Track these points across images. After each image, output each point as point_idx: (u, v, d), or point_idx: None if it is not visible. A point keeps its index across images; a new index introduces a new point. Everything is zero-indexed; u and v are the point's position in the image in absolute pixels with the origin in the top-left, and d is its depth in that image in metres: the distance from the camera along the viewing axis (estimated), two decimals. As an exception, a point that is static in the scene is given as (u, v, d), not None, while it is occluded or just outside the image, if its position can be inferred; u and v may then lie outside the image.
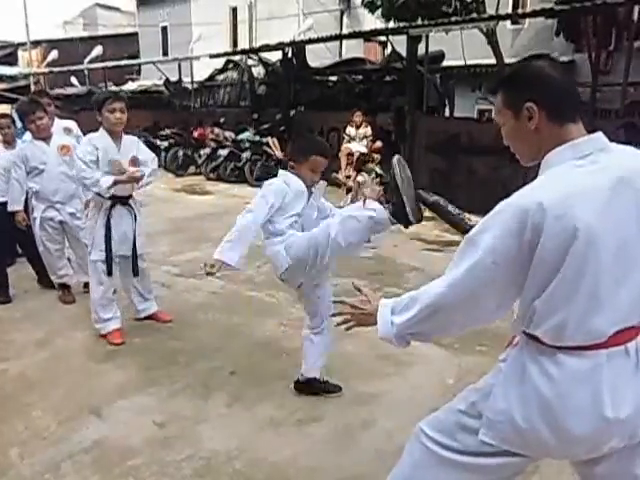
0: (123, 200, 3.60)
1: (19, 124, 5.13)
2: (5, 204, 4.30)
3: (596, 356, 1.32)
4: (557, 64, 1.63)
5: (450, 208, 6.88)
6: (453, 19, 8.04)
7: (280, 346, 3.60)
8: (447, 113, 10.64)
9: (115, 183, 3.41)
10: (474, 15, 8.20)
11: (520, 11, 12.07)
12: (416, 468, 1.57)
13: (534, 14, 8.45)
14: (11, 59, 25.19)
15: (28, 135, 4.50)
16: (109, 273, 3.59)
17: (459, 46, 9.31)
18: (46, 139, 4.16)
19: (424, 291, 1.45)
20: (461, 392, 1.58)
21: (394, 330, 1.48)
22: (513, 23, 13.70)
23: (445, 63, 11.18)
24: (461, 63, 10.45)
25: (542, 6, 8.21)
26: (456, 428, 1.50)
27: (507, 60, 10.04)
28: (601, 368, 1.32)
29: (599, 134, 1.36)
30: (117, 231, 3.58)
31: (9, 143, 4.82)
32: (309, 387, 3.00)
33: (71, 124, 4.82)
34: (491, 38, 8.57)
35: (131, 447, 2.54)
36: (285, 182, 2.66)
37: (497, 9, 8.51)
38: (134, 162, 3.55)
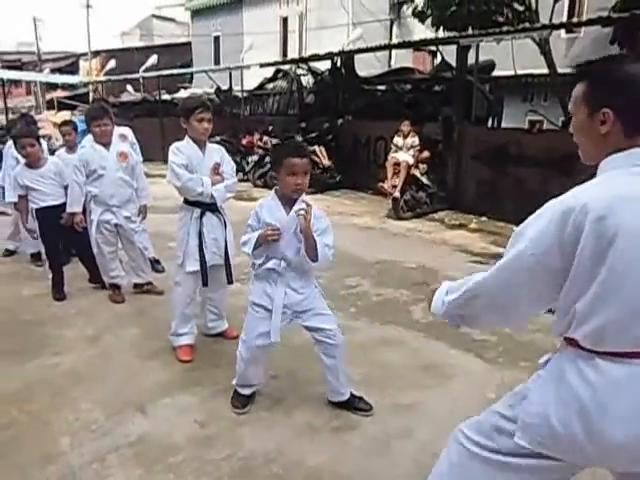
0: (213, 207, 3.49)
1: (79, 128, 5.41)
2: (58, 207, 4.52)
3: (634, 364, 1.30)
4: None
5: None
6: (505, 28, 7.92)
7: (320, 352, 3.62)
8: (495, 123, 10.47)
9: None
10: (527, 24, 8.04)
11: (575, 20, 11.78)
12: (453, 467, 1.60)
13: (591, 22, 8.21)
14: (73, 68, 26.44)
15: (85, 141, 4.73)
16: (204, 284, 3.45)
17: (510, 55, 9.16)
18: (106, 145, 4.33)
19: (474, 276, 1.51)
20: None
21: (443, 308, 1.58)
22: (568, 32, 13.37)
23: (495, 73, 11.01)
24: (512, 73, 10.27)
25: (599, 14, 7.98)
26: (493, 430, 1.52)
27: (560, 70, 9.80)
28: (638, 377, 1.30)
29: None
30: (209, 239, 3.45)
31: (71, 148, 5.10)
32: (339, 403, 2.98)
33: (126, 131, 5.02)
34: (544, 47, 8.38)
35: (173, 444, 2.62)
36: (260, 204, 2.78)
37: (551, 18, 8.32)
38: (216, 169, 3.49)
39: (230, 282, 3.59)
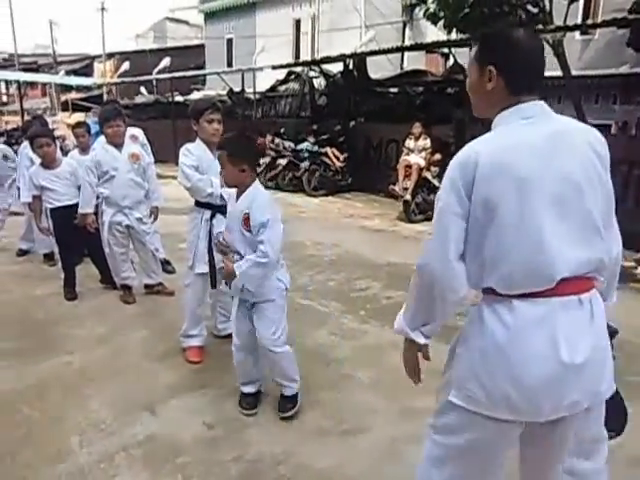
0: (223, 209, 3.39)
1: (92, 130, 5.46)
2: (72, 207, 4.55)
3: (549, 303, 1.37)
4: (536, 35, 1.61)
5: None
6: (518, 30, 7.85)
7: (330, 355, 3.61)
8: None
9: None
10: (540, 26, 7.96)
11: (590, 21, 11.66)
12: (426, 459, 1.68)
13: (606, 24, 8.13)
14: (88, 70, 26.71)
15: (97, 143, 4.77)
16: (213, 286, 3.44)
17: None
18: (118, 146, 4.33)
19: None
20: None
21: (402, 319, 1.64)
22: (582, 34, 13.24)
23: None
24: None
25: (614, 16, 7.89)
26: (440, 407, 1.60)
27: (575, 72, 9.70)
28: (554, 314, 1.37)
29: (542, 102, 1.48)
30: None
31: (84, 150, 5.14)
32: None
33: (137, 131, 5.05)
34: (557, 49, 8.30)
35: (180, 445, 2.62)
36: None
37: (565, 19, 8.23)
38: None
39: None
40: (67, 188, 4.63)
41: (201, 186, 3.34)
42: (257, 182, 2.77)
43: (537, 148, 1.38)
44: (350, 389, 3.18)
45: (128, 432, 2.73)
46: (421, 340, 1.62)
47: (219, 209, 3.42)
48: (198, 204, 3.45)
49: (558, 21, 8.30)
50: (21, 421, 2.82)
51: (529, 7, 8.64)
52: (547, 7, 8.37)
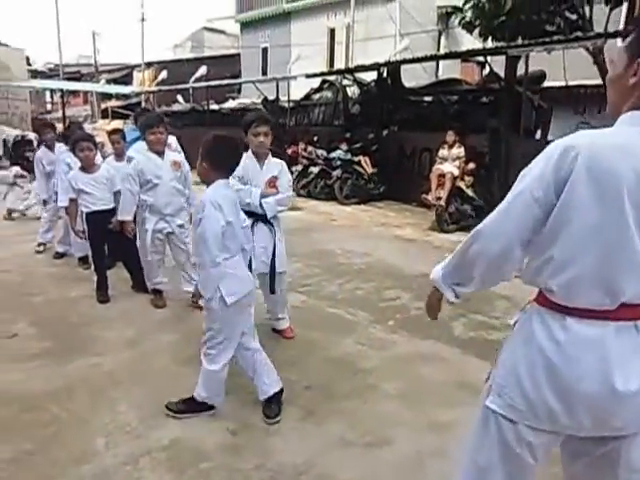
0: (264, 218, 3.62)
1: (128, 137, 5.59)
2: (108, 212, 4.65)
3: (604, 326, 1.30)
4: None
5: None
6: (556, 38, 7.70)
7: (356, 365, 3.57)
8: (543, 135, 10.16)
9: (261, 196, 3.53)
10: (579, 33, 7.78)
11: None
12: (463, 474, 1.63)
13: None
14: (127, 79, 27.41)
15: (131, 150, 4.87)
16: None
17: (561, 66, 8.88)
18: (160, 153, 4.33)
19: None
20: None
21: (441, 272, 1.60)
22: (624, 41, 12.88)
23: (545, 83, 10.71)
24: (562, 84, 9.95)
25: (658, 23, 7.65)
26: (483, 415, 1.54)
27: (616, 81, 9.41)
28: (608, 338, 1.30)
29: None
30: (258, 248, 3.58)
31: (119, 156, 5.26)
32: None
33: (171, 139, 5.14)
34: (598, 57, 8.08)
35: (204, 451, 2.62)
36: None
37: (606, 26, 8.02)
38: (272, 182, 3.62)
39: (272, 292, 3.72)
40: (103, 193, 4.74)
41: (240, 196, 3.40)
42: (218, 183, 2.75)
43: None
44: (376, 400, 3.14)
45: (153, 435, 2.75)
46: (450, 297, 1.60)
47: (260, 217, 3.59)
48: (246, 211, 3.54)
49: (598, 28, 8.08)
50: (50, 420, 2.88)
51: (567, 14, 8.48)
52: (587, 14, 8.18)
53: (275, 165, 3.70)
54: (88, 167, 4.74)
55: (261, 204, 3.55)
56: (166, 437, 2.73)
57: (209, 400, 2.91)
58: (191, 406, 2.92)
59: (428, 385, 3.32)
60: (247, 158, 3.54)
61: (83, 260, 5.74)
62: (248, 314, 2.86)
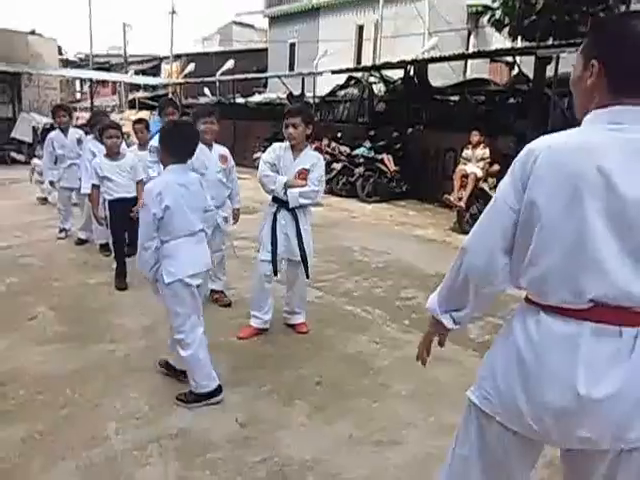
0: (287, 205, 3.71)
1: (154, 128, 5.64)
2: (130, 200, 4.69)
3: (579, 325, 1.27)
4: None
5: None
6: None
7: (369, 363, 3.54)
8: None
9: (285, 186, 3.66)
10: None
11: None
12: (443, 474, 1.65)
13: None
14: (155, 71, 27.68)
15: (155, 140, 4.89)
16: (275, 273, 3.78)
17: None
18: (209, 145, 4.23)
19: None
20: None
21: (436, 299, 1.58)
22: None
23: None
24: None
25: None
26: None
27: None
28: (583, 338, 1.26)
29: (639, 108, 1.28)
30: (280, 235, 3.74)
31: (142, 145, 5.31)
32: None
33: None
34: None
35: (212, 441, 2.63)
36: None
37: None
38: (302, 174, 3.69)
39: (307, 277, 3.90)
40: (127, 181, 4.79)
41: (265, 181, 3.71)
42: (170, 168, 2.89)
43: (610, 157, 1.22)
44: (386, 399, 3.11)
45: (163, 423, 2.76)
46: (449, 324, 1.57)
47: (284, 205, 3.73)
48: (272, 198, 3.78)
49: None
50: (64, 403, 2.92)
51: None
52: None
53: (310, 158, 3.76)
54: (113, 154, 4.79)
55: (286, 193, 3.68)
56: (175, 426, 2.75)
57: (206, 387, 2.92)
58: (198, 397, 2.93)
59: (441, 386, 3.27)
60: (283, 147, 3.73)
61: (104, 247, 5.81)
62: (196, 296, 2.92)
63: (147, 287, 4.87)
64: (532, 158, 1.30)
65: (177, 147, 2.90)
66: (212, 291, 4.45)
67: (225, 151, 4.38)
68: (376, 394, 3.15)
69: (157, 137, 4.90)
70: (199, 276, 2.90)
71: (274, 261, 3.73)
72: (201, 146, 4.03)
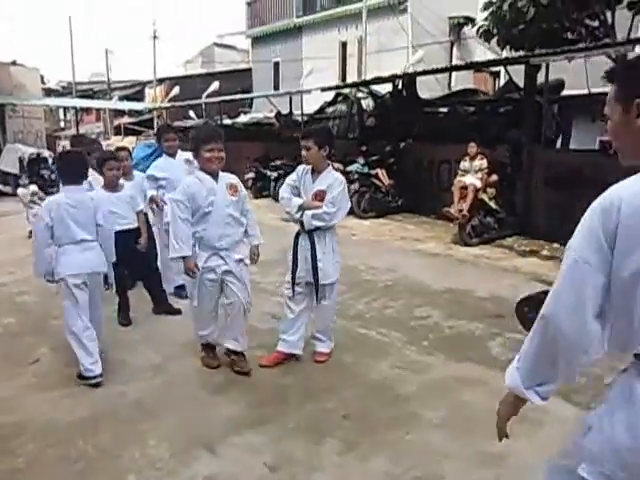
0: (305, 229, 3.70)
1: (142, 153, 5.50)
2: (131, 231, 4.52)
3: None
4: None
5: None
6: (581, 45, 7.54)
7: (395, 391, 3.39)
8: (562, 145, 9.98)
9: (300, 208, 3.61)
10: (606, 40, 7.61)
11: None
12: None
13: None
14: (139, 96, 27.60)
15: (153, 169, 4.76)
16: (292, 294, 3.78)
17: (579, 74, 8.73)
18: (214, 175, 3.59)
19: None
20: None
21: (517, 375, 1.41)
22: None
23: (563, 92, 10.53)
24: (581, 92, 9.79)
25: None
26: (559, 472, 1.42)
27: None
28: None
29: None
30: (301, 257, 3.71)
31: (125, 175, 5.06)
32: None
33: (191, 156, 4.99)
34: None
35: (242, 490, 2.45)
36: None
37: (629, 33, 7.86)
38: (318, 196, 3.62)
39: (318, 301, 3.79)
40: (127, 212, 4.62)
41: (282, 204, 3.77)
42: (64, 188, 3.66)
43: None
44: (419, 430, 2.95)
45: (186, 472, 2.58)
46: (536, 400, 1.40)
47: (303, 228, 3.70)
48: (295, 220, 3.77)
49: (622, 34, 7.93)
50: (77, 456, 2.73)
51: (587, 21, 8.32)
52: (609, 20, 8.02)
53: (328, 179, 3.68)
54: (113, 186, 4.62)
55: (302, 215, 3.63)
56: (200, 474, 2.57)
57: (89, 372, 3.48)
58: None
59: (473, 412, 3.12)
60: (306, 170, 3.73)
61: (103, 281, 5.60)
62: (82, 290, 3.60)
63: (153, 322, 4.74)
64: (615, 209, 1.22)
65: (66, 172, 3.63)
66: (231, 352, 3.72)
67: (234, 179, 3.71)
68: (407, 424, 3.00)
69: (155, 164, 4.82)
70: (80, 277, 3.56)
71: (293, 283, 3.73)
72: (204, 177, 3.59)
